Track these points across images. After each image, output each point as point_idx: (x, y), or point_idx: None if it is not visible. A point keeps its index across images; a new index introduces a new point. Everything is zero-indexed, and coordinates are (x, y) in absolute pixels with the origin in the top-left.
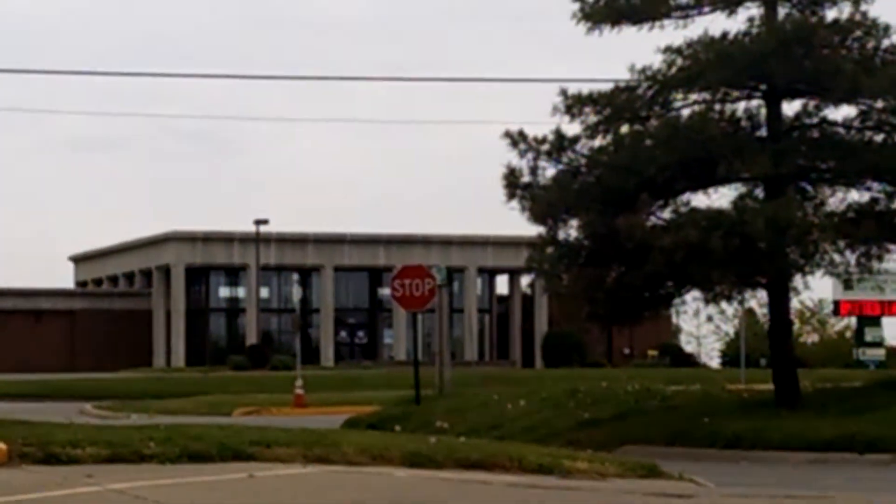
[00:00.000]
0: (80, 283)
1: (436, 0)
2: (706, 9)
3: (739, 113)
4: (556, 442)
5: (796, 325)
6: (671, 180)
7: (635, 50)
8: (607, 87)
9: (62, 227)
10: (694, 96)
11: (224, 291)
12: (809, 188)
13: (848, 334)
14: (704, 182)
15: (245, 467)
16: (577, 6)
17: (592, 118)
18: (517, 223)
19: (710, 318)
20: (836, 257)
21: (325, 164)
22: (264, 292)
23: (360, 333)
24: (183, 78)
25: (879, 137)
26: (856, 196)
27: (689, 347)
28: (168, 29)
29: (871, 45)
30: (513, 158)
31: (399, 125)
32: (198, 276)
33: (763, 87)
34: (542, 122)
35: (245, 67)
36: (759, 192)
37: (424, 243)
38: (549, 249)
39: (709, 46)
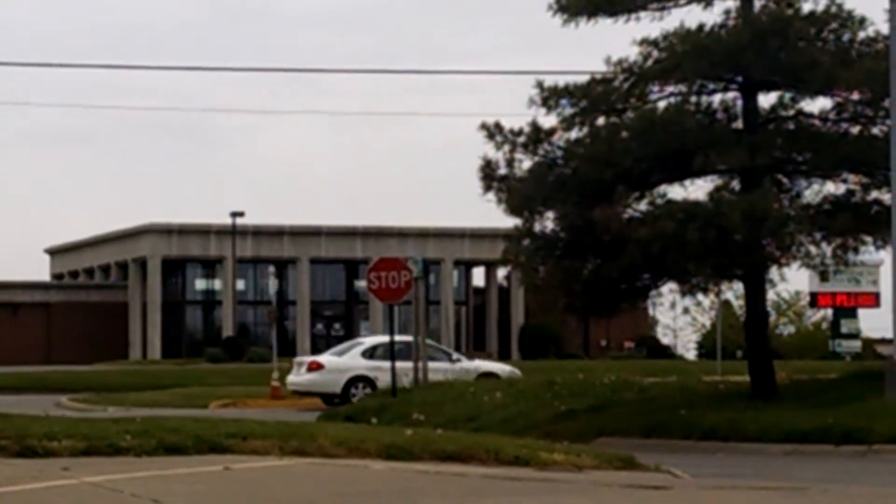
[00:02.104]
0: (56, 276)
1: None
2: (682, 1)
3: (715, 105)
4: (533, 434)
5: (773, 317)
6: (647, 172)
7: (611, 42)
8: (583, 79)
9: (38, 220)
10: (670, 88)
11: (200, 284)
12: (785, 180)
13: (824, 326)
14: (681, 174)
15: (221, 460)
16: None
17: (569, 110)
18: (494, 215)
19: (686, 310)
20: (813, 249)
21: (301, 157)
22: (240, 284)
23: (337, 325)
24: (158, 70)
25: (855, 129)
26: (832, 188)
27: (665, 339)
28: (142, 21)
29: (846, 37)
30: (489, 150)
31: (375, 117)
32: (174, 269)
33: (739, 79)
34: (519, 114)
35: (220, 60)
36: (736, 185)
37: (401, 235)
38: (526, 241)
39: (685, 39)
